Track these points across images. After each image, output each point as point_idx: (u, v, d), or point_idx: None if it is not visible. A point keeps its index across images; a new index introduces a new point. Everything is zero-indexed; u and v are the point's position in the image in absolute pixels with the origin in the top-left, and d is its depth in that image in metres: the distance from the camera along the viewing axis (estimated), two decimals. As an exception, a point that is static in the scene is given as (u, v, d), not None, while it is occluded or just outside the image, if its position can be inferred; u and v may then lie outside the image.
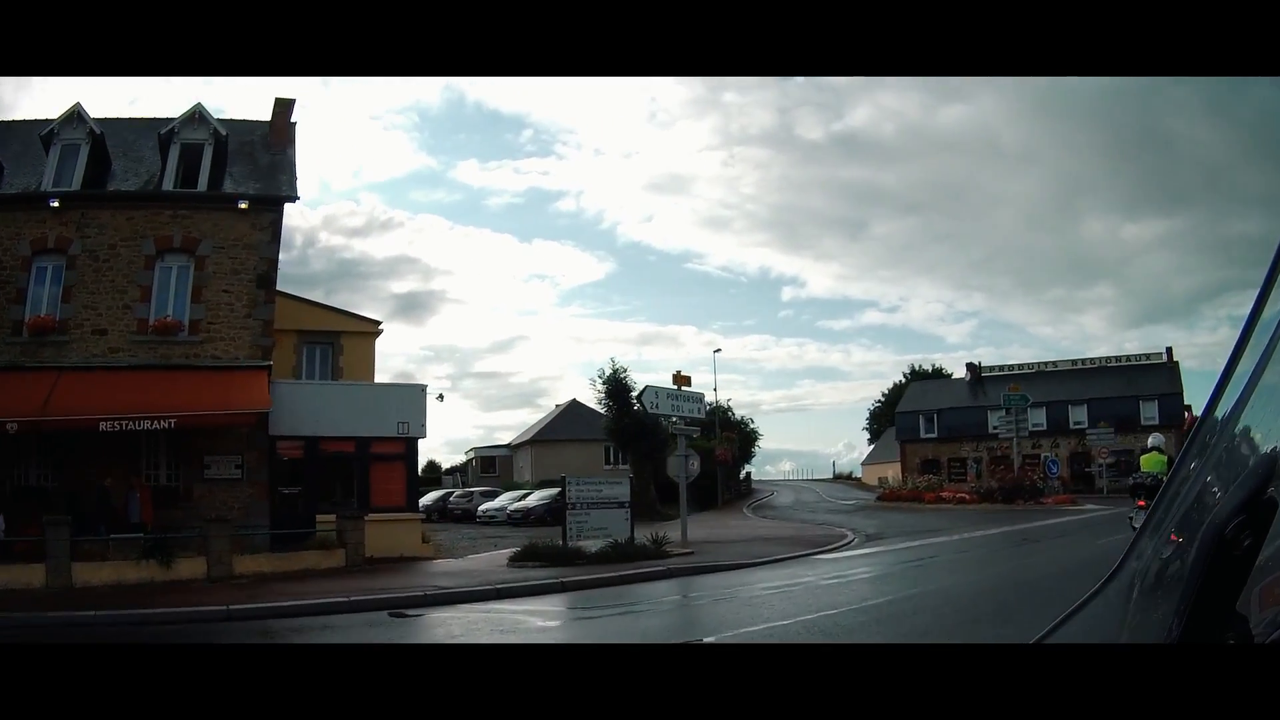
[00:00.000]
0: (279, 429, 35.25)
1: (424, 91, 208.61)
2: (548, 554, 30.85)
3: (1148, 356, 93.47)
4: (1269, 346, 2.12)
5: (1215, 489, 2.16)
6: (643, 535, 32.76)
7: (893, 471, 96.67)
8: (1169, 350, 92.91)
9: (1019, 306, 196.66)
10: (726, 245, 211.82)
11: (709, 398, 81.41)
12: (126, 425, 31.01)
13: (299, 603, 22.91)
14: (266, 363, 35.82)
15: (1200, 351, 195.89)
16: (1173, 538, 2.26)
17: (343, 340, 44.57)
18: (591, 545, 31.26)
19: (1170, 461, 23.37)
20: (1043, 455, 79.34)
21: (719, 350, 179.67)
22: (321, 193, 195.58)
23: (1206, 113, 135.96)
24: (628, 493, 33.32)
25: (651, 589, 25.37)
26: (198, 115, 37.52)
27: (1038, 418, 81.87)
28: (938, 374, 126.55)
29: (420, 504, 70.03)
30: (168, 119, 38.02)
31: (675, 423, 36.98)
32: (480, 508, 68.88)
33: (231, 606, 22.02)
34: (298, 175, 39.04)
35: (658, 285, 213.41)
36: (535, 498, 62.61)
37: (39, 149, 36.23)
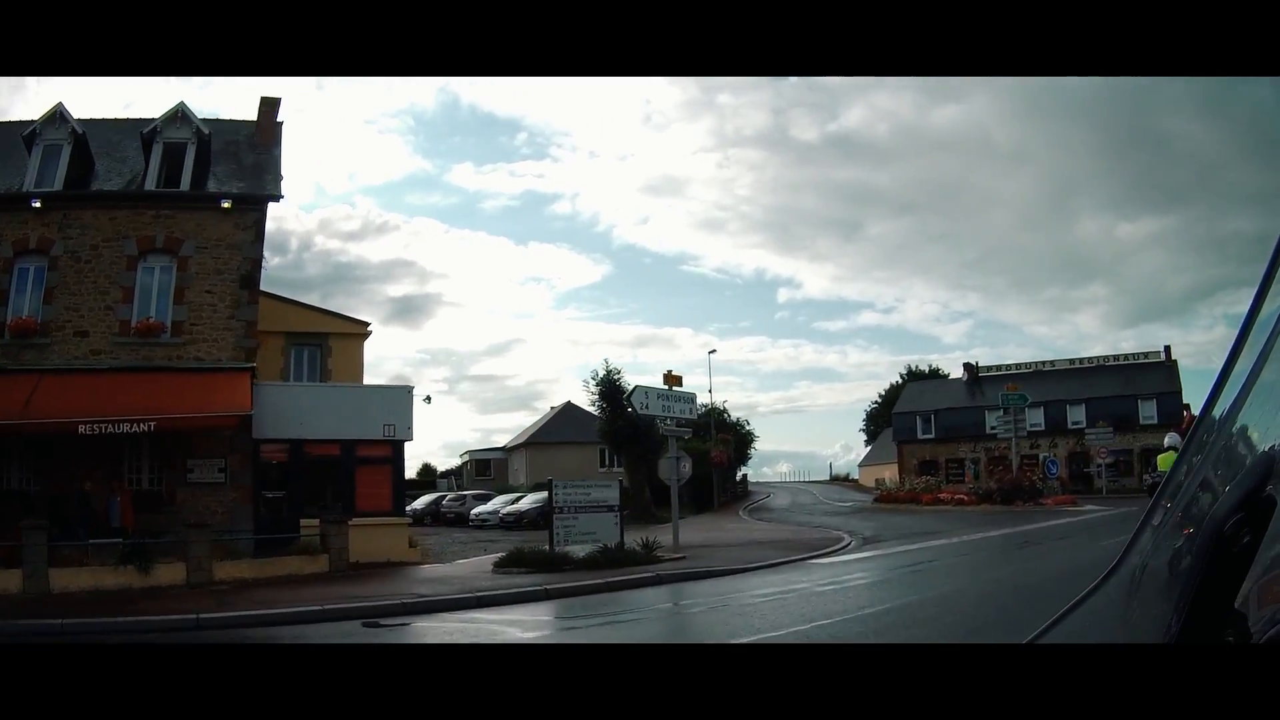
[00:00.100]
0: (263, 432, 34.80)
1: (418, 95, 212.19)
2: (534, 560, 30.05)
3: (1145, 355, 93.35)
4: (1267, 344, 2.14)
5: (1214, 486, 2.17)
6: (633, 539, 32.10)
7: (890, 473, 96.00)
8: (1167, 349, 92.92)
9: (1014, 306, 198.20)
10: (722, 247, 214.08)
11: (703, 399, 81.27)
12: (106, 428, 30.58)
13: (271, 611, 22.46)
14: (249, 364, 35.26)
15: (1196, 350, 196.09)
16: (1186, 532, 2.22)
17: (331, 342, 43.96)
18: (579, 550, 30.45)
19: None
20: (1041, 455, 79.66)
21: (714, 351, 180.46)
22: (317, 196, 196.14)
23: (1200, 111, 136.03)
24: (617, 496, 32.65)
25: (640, 596, 24.72)
26: (180, 114, 37.10)
27: (1035, 418, 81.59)
28: (934, 374, 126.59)
29: (414, 508, 71.16)
30: (151, 119, 37.58)
31: (666, 424, 36.15)
32: (473, 511, 68.66)
33: (201, 615, 21.35)
34: (283, 175, 38.73)
35: (653, 287, 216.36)
36: (528, 501, 62.13)
37: (21, 149, 35.80)
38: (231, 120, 41.91)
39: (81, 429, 30.28)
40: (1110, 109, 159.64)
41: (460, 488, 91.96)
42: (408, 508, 68.28)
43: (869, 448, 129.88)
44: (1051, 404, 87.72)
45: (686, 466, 37.54)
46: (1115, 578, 2.58)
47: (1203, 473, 2.32)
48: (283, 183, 38.29)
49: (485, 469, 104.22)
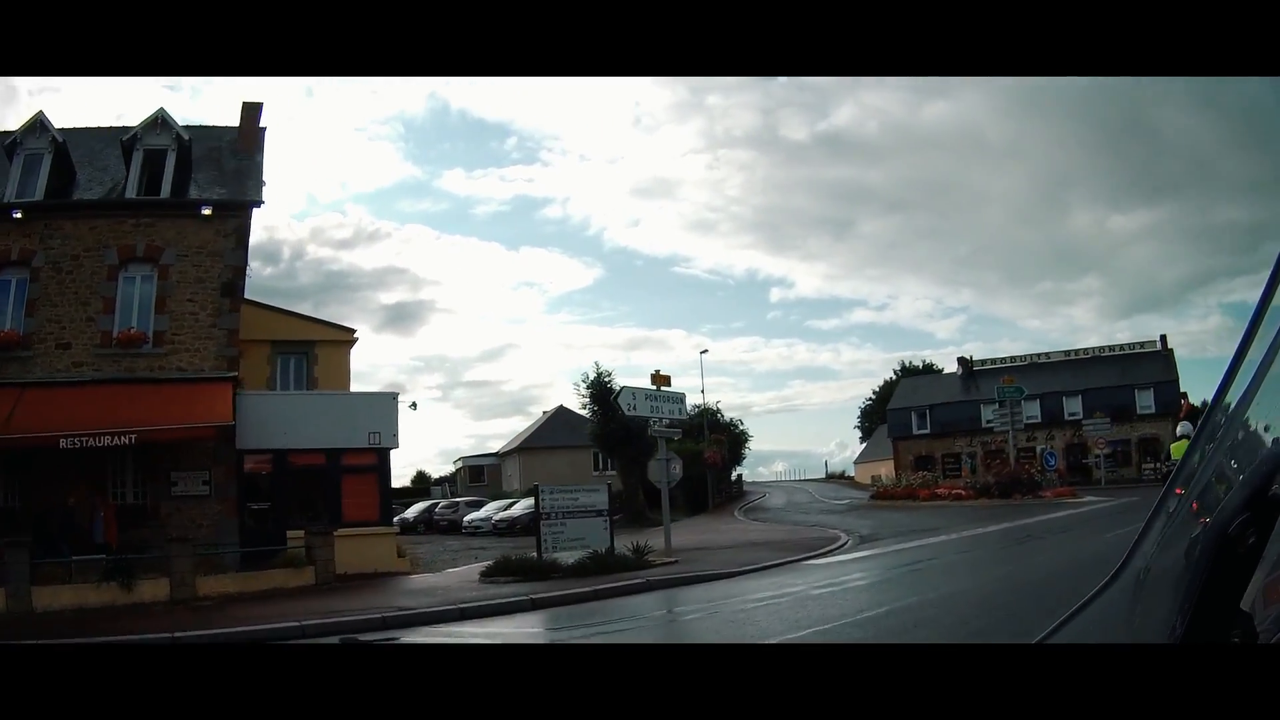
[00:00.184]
0: (247, 442, 34.29)
1: (408, 101, 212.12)
2: (521, 568, 29.53)
3: (1141, 345, 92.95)
4: (1279, 335, 2.08)
5: (1227, 477, 2.16)
6: (625, 543, 31.59)
7: (886, 469, 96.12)
8: (1163, 338, 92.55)
9: (1007, 301, 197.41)
10: (713, 248, 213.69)
11: (696, 400, 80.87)
12: (87, 442, 29.97)
13: (248, 629, 21.91)
14: (231, 374, 34.60)
15: (1191, 340, 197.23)
16: (1202, 521, 2.17)
17: (317, 349, 43.50)
18: (568, 557, 29.88)
19: None
20: (1038, 448, 79.59)
21: (705, 351, 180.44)
22: (309, 205, 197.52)
23: (1191, 102, 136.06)
24: (605, 500, 32.02)
25: (629, 604, 23.96)
26: (160, 121, 36.69)
27: (1031, 410, 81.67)
28: (928, 370, 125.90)
29: (406, 516, 71.26)
30: (131, 127, 37.21)
31: (655, 425, 35.51)
32: (466, 518, 68.40)
33: (177, 635, 20.62)
34: (264, 180, 38.29)
35: (645, 290, 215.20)
36: (521, 507, 61.12)
37: (2, 159, 35.25)
38: (214, 126, 41.36)
39: (63, 443, 29.74)
40: (1101, 102, 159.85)
41: (454, 494, 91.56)
42: (400, 516, 69.08)
43: (864, 445, 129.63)
44: (1047, 396, 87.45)
45: (677, 468, 36.88)
46: (1121, 578, 2.56)
47: (1215, 463, 2.29)
48: (264, 188, 37.95)
49: (479, 475, 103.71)
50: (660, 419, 35.24)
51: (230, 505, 33.91)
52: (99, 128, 40.15)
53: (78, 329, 33.89)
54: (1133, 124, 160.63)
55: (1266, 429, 2.10)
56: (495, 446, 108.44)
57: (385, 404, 38.24)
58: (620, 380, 66.41)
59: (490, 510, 67.11)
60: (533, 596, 24.95)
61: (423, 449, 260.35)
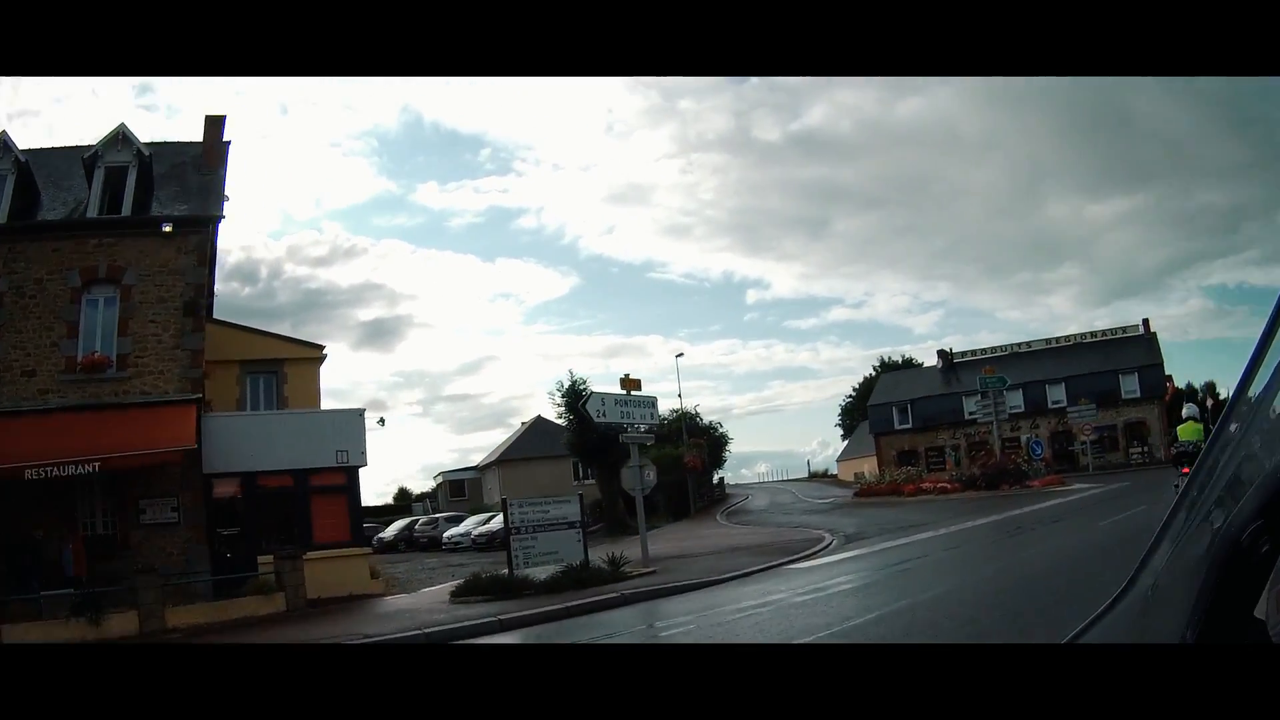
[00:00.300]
0: (214, 466, 33.48)
1: (381, 115, 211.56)
2: (492, 586, 28.42)
3: (1124, 330, 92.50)
4: None
5: (1237, 487, 2.08)
6: (602, 555, 30.62)
7: (869, 466, 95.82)
8: (1145, 322, 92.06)
9: (985, 293, 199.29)
10: (689, 252, 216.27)
11: (674, 404, 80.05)
12: (52, 472, 28.97)
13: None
14: (195, 396, 33.56)
15: (1172, 324, 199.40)
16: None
17: (286, 368, 42.92)
18: (541, 572, 28.72)
19: (1207, 429, 24.63)
20: (1023, 438, 79.04)
21: (680, 355, 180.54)
22: (284, 224, 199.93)
23: (1165, 88, 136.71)
24: (577, 511, 30.78)
25: (604, 620, 22.81)
26: (121, 137, 35.90)
27: (1015, 400, 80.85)
28: (908, 364, 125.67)
29: (386, 535, 71.01)
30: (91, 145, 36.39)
31: (627, 431, 34.19)
32: (445, 534, 68.35)
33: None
34: (227, 195, 37.38)
35: (622, 297, 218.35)
36: (499, 521, 59.88)
37: (-36, 183, 34.25)
38: (179, 142, 40.49)
39: (29, 474, 28.77)
40: (1075, 93, 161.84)
41: (435, 510, 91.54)
42: (380, 535, 68.70)
43: (846, 442, 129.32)
44: (1030, 385, 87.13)
45: (651, 475, 35.55)
46: (1130, 595, 2.45)
47: (1230, 468, 2.14)
48: (226, 203, 37.16)
49: (460, 490, 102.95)
50: (632, 424, 33.95)
51: (199, 532, 33.00)
52: (64, 147, 39.29)
53: (42, 355, 33.03)
54: (1107, 113, 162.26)
55: None
56: (477, 460, 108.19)
57: (352, 421, 37.31)
58: (601, 388, 65.87)
59: (469, 525, 66.74)
60: (501, 617, 23.74)
61: (405, 465, 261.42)
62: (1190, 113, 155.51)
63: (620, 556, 30.36)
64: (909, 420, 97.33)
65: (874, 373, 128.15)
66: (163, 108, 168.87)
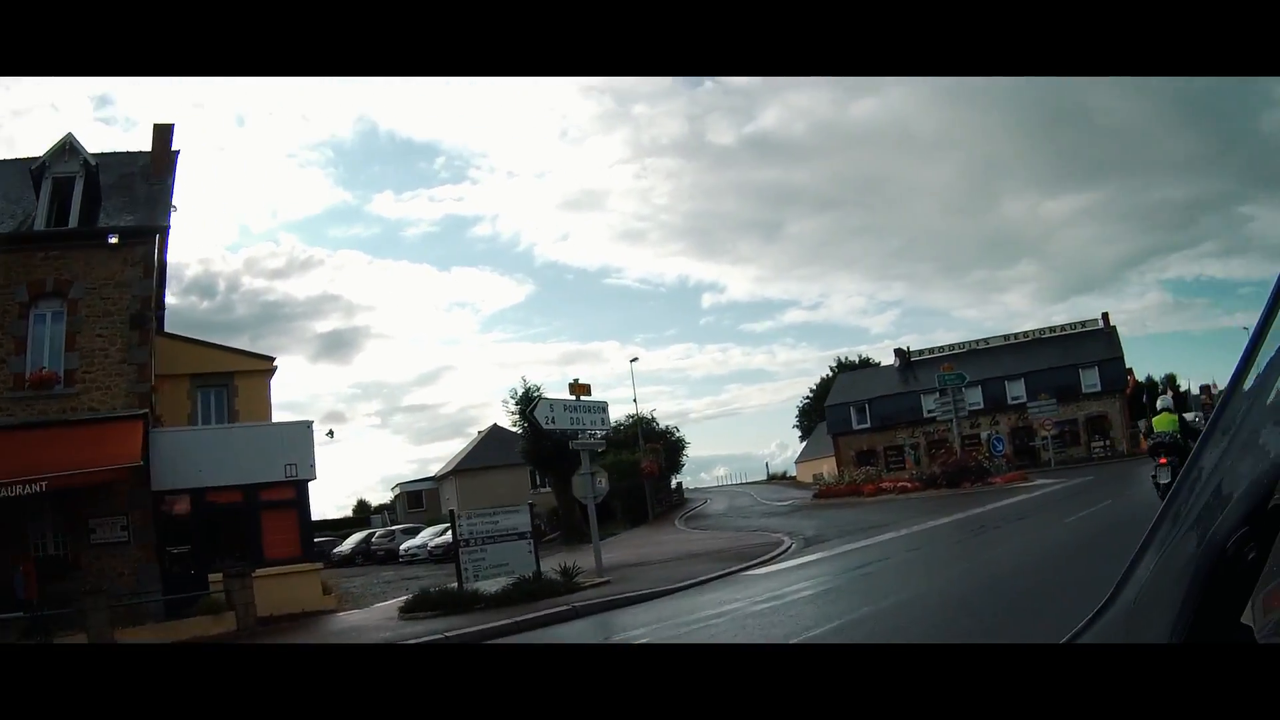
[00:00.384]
0: (163, 482, 32.80)
1: (337, 125, 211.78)
2: (442, 601, 27.45)
3: (1083, 324, 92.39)
4: None
5: (1223, 493, 2.07)
6: (556, 564, 29.83)
7: (828, 467, 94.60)
8: (1105, 316, 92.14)
9: (941, 292, 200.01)
10: (643, 257, 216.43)
11: (629, 410, 79.34)
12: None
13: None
14: (141, 411, 32.71)
15: (1131, 318, 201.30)
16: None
17: (237, 381, 42.19)
18: (492, 585, 27.79)
19: (1181, 421, 25.18)
20: (983, 435, 79.05)
21: (635, 360, 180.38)
22: (242, 236, 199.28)
23: (1120, 84, 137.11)
24: (528, 522, 29.84)
25: (553, 635, 22.02)
26: (68, 147, 35.00)
27: (974, 397, 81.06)
28: (865, 364, 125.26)
29: (344, 547, 70.59)
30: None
31: (578, 438, 33.20)
32: (402, 546, 67.60)
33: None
34: (174, 205, 36.77)
35: (577, 303, 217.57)
36: (454, 532, 59.53)
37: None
38: (127, 152, 39.92)
39: (-26, 497, 27.94)
40: (1030, 89, 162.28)
41: (393, 522, 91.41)
42: (337, 549, 67.87)
43: (804, 444, 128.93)
44: (989, 382, 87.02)
45: (603, 482, 34.78)
46: (1112, 610, 2.35)
47: (1218, 474, 2.10)
48: (173, 213, 36.52)
49: (418, 501, 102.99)
50: (582, 431, 32.93)
51: (150, 550, 32.25)
52: (15, 159, 38.58)
53: (-9, 372, 32.45)
54: (1062, 109, 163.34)
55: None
56: (436, 470, 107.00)
57: (300, 434, 36.61)
58: (556, 395, 65.13)
59: (426, 537, 65.88)
60: (448, 634, 22.86)
61: (365, 477, 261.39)
62: (1147, 107, 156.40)
63: (573, 567, 29.63)
64: (867, 420, 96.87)
65: (831, 373, 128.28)
66: (121, 120, 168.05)
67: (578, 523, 58.71)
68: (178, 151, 38.95)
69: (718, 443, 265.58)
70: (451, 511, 31.07)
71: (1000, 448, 69.61)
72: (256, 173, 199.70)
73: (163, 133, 38.59)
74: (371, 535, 77.02)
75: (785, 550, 35.19)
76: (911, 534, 33.67)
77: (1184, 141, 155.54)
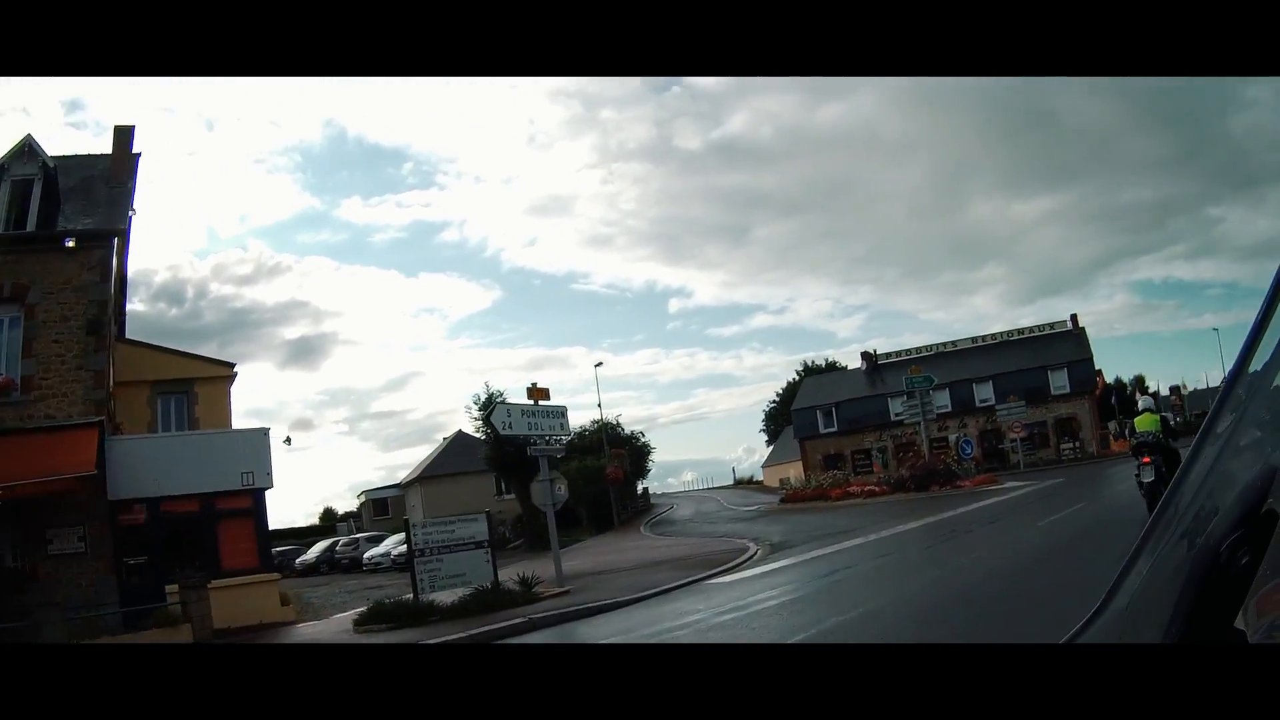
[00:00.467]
0: (120, 492, 31.93)
1: (306, 130, 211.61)
2: (396, 613, 26.65)
3: (1051, 326, 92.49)
4: None
5: (1217, 497, 2.03)
6: (510, 576, 28.98)
7: (794, 471, 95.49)
8: (1073, 317, 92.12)
9: (908, 295, 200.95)
10: (611, 262, 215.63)
11: (594, 415, 78.81)
12: (-49, 506, 27.53)
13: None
14: (97, 418, 31.98)
15: (1099, 319, 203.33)
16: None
17: (196, 388, 41.60)
18: (448, 597, 27.11)
19: (1163, 420, 24.38)
20: (951, 437, 78.51)
21: (600, 364, 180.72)
22: (210, 242, 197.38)
23: (1089, 86, 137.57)
24: (485, 530, 29.02)
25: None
26: (28, 149, 34.40)
27: (942, 399, 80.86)
28: (831, 368, 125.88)
29: (309, 556, 70.72)
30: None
31: (535, 444, 32.43)
32: (366, 555, 66.82)
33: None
34: (134, 209, 35.98)
35: (545, 309, 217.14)
36: (419, 540, 58.87)
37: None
38: (88, 155, 39.25)
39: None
40: (998, 92, 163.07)
41: (359, 530, 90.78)
42: (301, 558, 67.57)
43: (771, 448, 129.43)
44: (957, 384, 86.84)
45: (562, 489, 33.84)
46: (1103, 618, 2.27)
47: (1215, 476, 2.05)
48: (132, 216, 35.72)
49: (383, 508, 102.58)
50: (540, 436, 32.17)
51: (106, 562, 31.54)
52: None
53: (-50, 379, 31.13)
54: (1030, 112, 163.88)
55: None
56: (403, 477, 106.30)
57: (257, 441, 36.13)
58: (522, 401, 64.75)
59: (390, 545, 64.94)
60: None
61: (333, 485, 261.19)
62: (1116, 109, 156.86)
63: (532, 577, 28.84)
64: (834, 423, 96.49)
65: (798, 377, 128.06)
66: (91, 124, 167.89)
67: (542, 530, 58.16)
68: (139, 154, 38.11)
69: (685, 447, 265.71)
70: (406, 520, 30.44)
71: (969, 450, 69.29)
72: (225, 178, 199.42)
73: (123, 135, 37.88)
74: (336, 544, 76.22)
75: (751, 557, 34.54)
76: (880, 539, 33.12)
77: (1153, 143, 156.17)
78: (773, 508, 69.77)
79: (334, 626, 30.22)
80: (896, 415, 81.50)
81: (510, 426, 31.67)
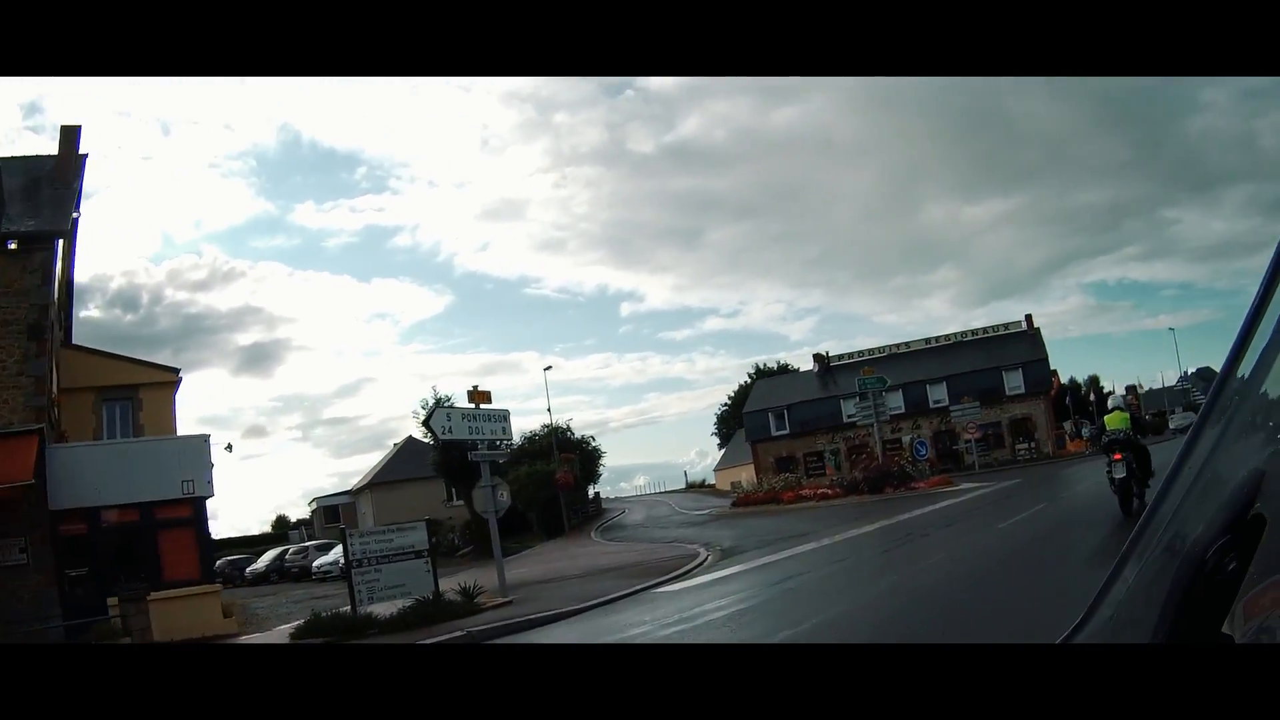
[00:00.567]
0: (60, 501, 31.69)
1: (260, 134, 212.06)
2: (334, 626, 25.60)
3: (1006, 326, 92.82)
4: None
5: (1218, 488, 2.00)
6: (452, 586, 28.10)
7: (746, 474, 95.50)
8: (1028, 318, 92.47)
9: (860, 298, 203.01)
10: (562, 266, 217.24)
11: (544, 420, 78.21)
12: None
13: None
14: (36, 426, 31.22)
15: (1052, 321, 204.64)
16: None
17: (142, 394, 41.21)
18: (387, 608, 26.13)
19: (1132, 419, 24.29)
20: (905, 439, 78.93)
21: (549, 368, 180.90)
22: (165, 247, 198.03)
23: (1042, 89, 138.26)
24: (425, 539, 28.13)
25: (444, 665, 20.10)
26: None
27: (895, 401, 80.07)
28: (783, 370, 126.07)
29: (259, 565, 70.29)
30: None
31: (476, 448, 31.52)
32: (315, 563, 66.31)
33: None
34: (78, 211, 35.50)
35: (497, 314, 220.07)
36: (366, 547, 57.98)
37: None
38: (36, 156, 38.62)
39: None
40: (951, 95, 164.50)
41: (310, 537, 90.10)
42: (252, 567, 66.89)
43: (723, 451, 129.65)
44: (911, 385, 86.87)
45: (504, 495, 32.93)
46: (1092, 622, 2.28)
47: (1204, 481, 2.03)
48: (76, 218, 35.24)
49: (334, 515, 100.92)
50: (481, 441, 31.24)
51: (48, 574, 31.03)
52: None
53: (-111, 387, 31.35)
54: (984, 115, 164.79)
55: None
56: (355, 484, 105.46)
57: (197, 448, 35.69)
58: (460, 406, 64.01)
59: (338, 553, 62.78)
60: (336, 663, 20.89)
61: (286, 491, 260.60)
62: (1070, 112, 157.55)
63: (474, 586, 27.94)
64: (786, 426, 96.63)
65: (749, 380, 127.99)
66: (49, 129, 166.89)
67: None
68: (85, 154, 37.73)
69: (637, 451, 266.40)
70: (342, 530, 29.48)
71: (923, 452, 69.13)
72: (180, 182, 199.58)
73: (69, 134, 37.28)
74: (286, 552, 75.55)
75: (701, 563, 33.86)
76: (834, 544, 32.23)
77: (1107, 145, 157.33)
78: (724, 511, 69.30)
79: (275, 639, 29.24)
80: (849, 417, 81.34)
81: (451, 431, 30.75)
